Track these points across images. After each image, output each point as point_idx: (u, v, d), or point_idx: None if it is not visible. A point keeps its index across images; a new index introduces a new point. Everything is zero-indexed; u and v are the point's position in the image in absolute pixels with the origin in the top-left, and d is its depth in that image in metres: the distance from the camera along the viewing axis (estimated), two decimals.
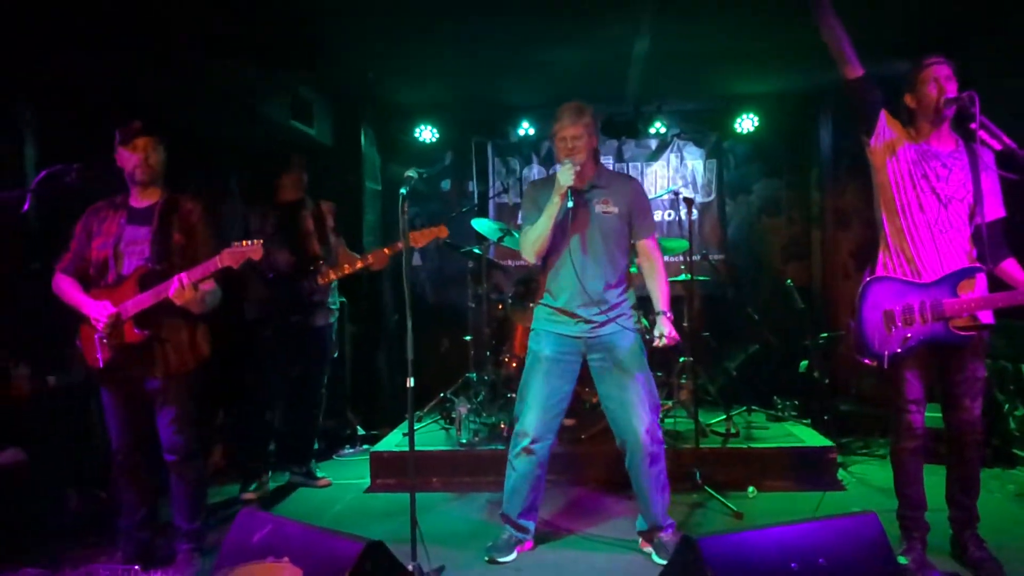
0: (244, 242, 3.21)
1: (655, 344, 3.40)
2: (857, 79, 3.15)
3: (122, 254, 3.30)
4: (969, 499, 3.26)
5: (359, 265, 4.27)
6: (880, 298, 3.14)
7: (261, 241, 3.21)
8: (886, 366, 3.09)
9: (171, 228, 3.34)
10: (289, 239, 4.46)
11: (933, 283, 3.08)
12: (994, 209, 3.14)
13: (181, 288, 3.14)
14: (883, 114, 3.20)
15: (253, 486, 4.63)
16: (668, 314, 3.43)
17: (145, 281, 3.23)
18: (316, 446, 4.99)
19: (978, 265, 3.08)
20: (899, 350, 3.07)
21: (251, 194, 4.92)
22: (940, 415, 3.28)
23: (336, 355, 4.99)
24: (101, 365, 3.26)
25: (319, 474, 4.88)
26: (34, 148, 4.26)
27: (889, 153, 3.20)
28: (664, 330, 3.38)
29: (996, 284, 3.11)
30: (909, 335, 3.07)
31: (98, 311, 3.20)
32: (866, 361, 3.15)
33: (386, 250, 4.23)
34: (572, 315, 3.45)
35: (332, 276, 4.39)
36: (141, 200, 3.38)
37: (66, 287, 3.31)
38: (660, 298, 3.47)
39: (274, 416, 4.78)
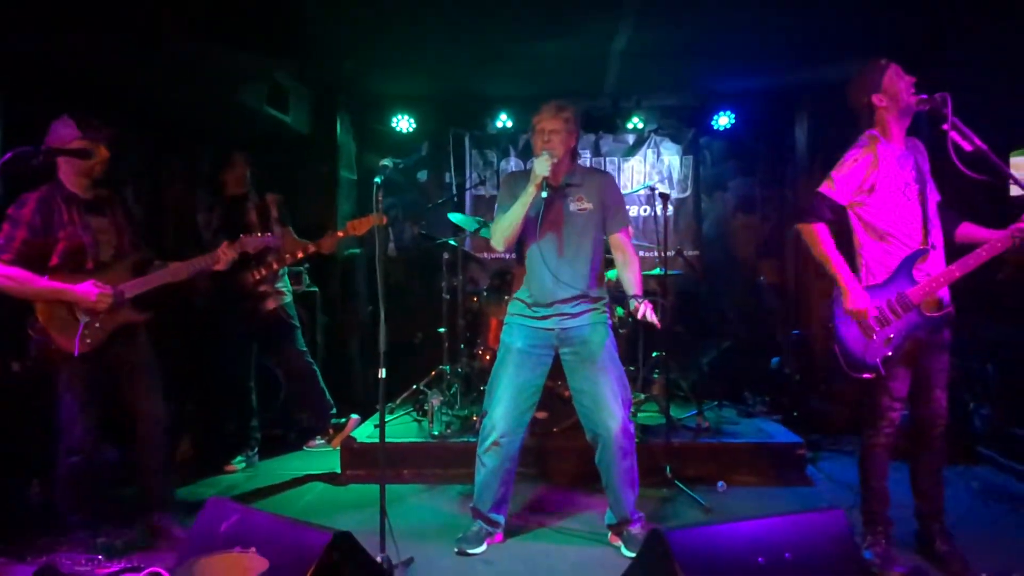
0: (256, 234, 3.96)
1: (635, 309, 3.31)
2: None
3: (97, 242, 3.43)
4: (937, 490, 3.32)
5: (310, 250, 4.48)
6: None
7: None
8: (883, 372, 3.14)
9: (123, 218, 3.58)
10: (234, 232, 4.53)
11: (888, 279, 3.15)
12: (934, 193, 3.27)
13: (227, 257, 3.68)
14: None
15: (239, 459, 4.94)
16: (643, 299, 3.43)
17: (139, 267, 3.50)
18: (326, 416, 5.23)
19: (923, 248, 3.14)
20: (889, 352, 3.13)
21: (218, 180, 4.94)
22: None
23: (298, 326, 5.10)
24: (77, 352, 3.31)
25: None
26: (1, 132, 4.18)
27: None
28: (641, 307, 3.31)
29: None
30: (891, 335, 3.13)
31: (95, 292, 3.32)
32: (866, 376, 3.17)
33: (336, 234, 4.45)
34: (545, 308, 3.45)
35: (275, 266, 4.64)
36: (86, 192, 3.47)
37: (25, 276, 3.26)
38: (634, 285, 3.47)
39: (251, 397, 5.06)
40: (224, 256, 3.70)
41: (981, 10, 4.66)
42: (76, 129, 3.35)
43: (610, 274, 3.61)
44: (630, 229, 3.61)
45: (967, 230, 3.26)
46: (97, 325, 3.37)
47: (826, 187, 3.27)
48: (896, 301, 3.11)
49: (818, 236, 3.25)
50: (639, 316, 3.28)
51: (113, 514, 3.68)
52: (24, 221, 3.28)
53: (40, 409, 3.70)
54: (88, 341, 3.35)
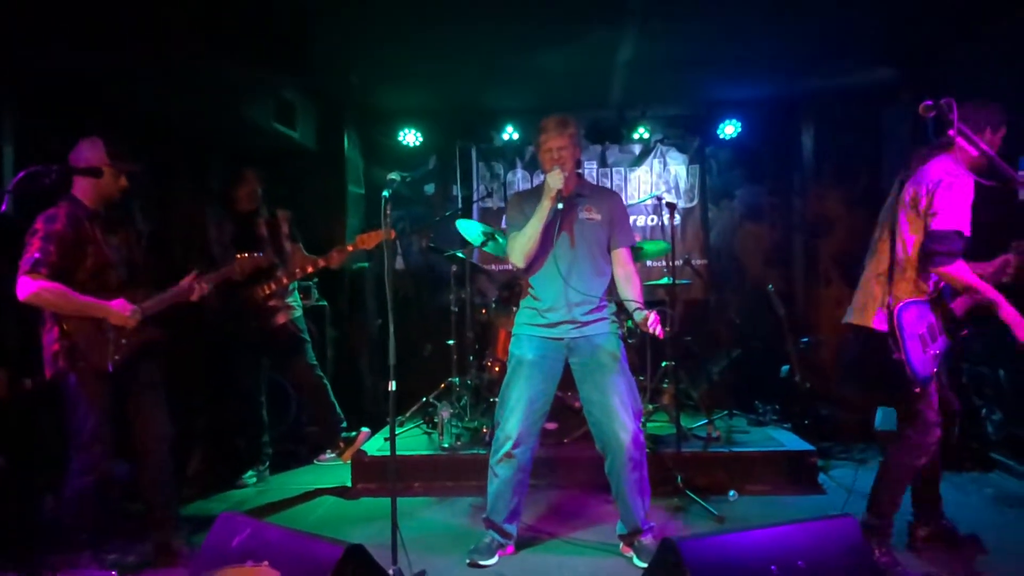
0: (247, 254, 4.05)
1: (644, 320, 3.30)
2: None
3: (119, 260, 3.49)
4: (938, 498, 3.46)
5: (319, 265, 4.63)
6: (912, 324, 3.17)
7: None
8: (934, 385, 3.19)
9: (133, 239, 3.64)
10: (245, 247, 4.61)
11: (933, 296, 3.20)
12: None
13: (201, 290, 3.66)
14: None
15: (250, 474, 4.97)
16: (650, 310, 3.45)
17: (157, 285, 3.57)
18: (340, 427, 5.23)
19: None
20: (934, 368, 3.16)
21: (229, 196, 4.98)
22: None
23: (308, 340, 5.12)
24: (111, 368, 3.35)
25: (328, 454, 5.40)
26: (12, 148, 4.22)
27: None
28: (648, 316, 3.31)
29: None
30: (936, 352, 3.17)
31: (129, 309, 3.38)
32: (917, 390, 3.17)
33: (344, 249, 4.61)
34: (556, 314, 3.47)
35: (285, 281, 4.75)
36: (102, 212, 3.50)
37: (65, 290, 3.25)
38: (636, 296, 3.50)
39: (262, 411, 5.11)
40: (198, 288, 3.70)
41: (987, 16, 4.66)
42: (104, 155, 3.39)
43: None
44: (631, 249, 3.64)
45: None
46: (124, 341, 3.39)
47: (953, 223, 3.10)
48: (943, 317, 3.18)
49: (965, 272, 3.11)
50: (649, 327, 3.27)
51: (122, 530, 3.69)
52: (57, 235, 3.27)
53: (53, 425, 3.71)
54: (117, 358, 3.37)
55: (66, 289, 3.25)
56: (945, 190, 3.08)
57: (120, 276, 3.48)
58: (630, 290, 3.53)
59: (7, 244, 3.40)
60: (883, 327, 3.20)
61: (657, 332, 3.26)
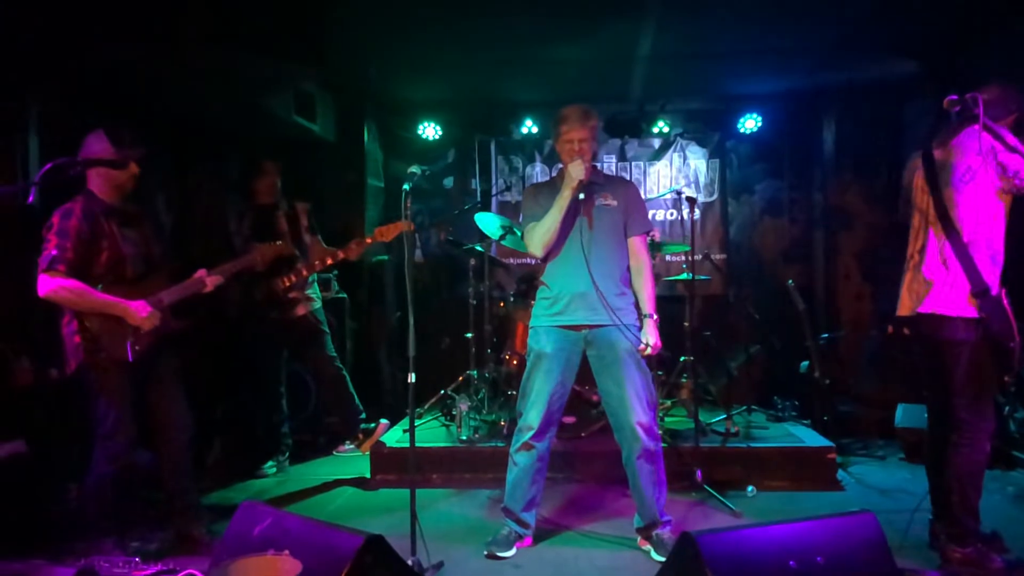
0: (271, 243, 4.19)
1: (639, 349, 3.46)
2: None
3: (136, 253, 3.52)
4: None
5: (339, 257, 4.66)
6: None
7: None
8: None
9: (151, 231, 3.69)
10: (265, 239, 4.67)
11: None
12: None
13: (214, 282, 3.71)
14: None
15: (270, 465, 5.02)
16: (654, 317, 3.51)
17: (171, 277, 3.60)
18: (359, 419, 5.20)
19: None
20: None
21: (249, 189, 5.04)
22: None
23: (328, 331, 5.14)
24: (132, 359, 3.39)
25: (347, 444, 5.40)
26: (37, 140, 4.27)
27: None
28: (650, 340, 3.46)
29: None
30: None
31: (147, 311, 3.42)
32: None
33: (363, 241, 4.63)
34: (574, 303, 3.47)
35: (304, 273, 4.77)
36: (118, 205, 3.53)
37: (83, 287, 3.30)
38: (647, 300, 3.55)
39: (282, 402, 5.18)
40: (210, 281, 3.74)
41: (1013, 8, 4.60)
42: (109, 144, 3.40)
43: None
44: (647, 238, 3.66)
45: None
46: (144, 332, 3.43)
47: None
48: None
49: None
50: (642, 344, 3.44)
51: (145, 518, 3.74)
52: (73, 231, 3.30)
53: (77, 414, 3.76)
54: (137, 348, 3.41)
55: (84, 287, 3.30)
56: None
57: (136, 269, 3.51)
58: (642, 282, 3.56)
59: (34, 235, 3.45)
60: (965, 312, 3.13)
61: (647, 351, 3.45)
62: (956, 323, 3.13)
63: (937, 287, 3.18)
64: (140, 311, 3.40)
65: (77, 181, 3.41)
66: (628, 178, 6.83)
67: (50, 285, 3.24)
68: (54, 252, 3.25)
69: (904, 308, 3.36)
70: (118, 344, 3.37)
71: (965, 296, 3.11)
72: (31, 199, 2.80)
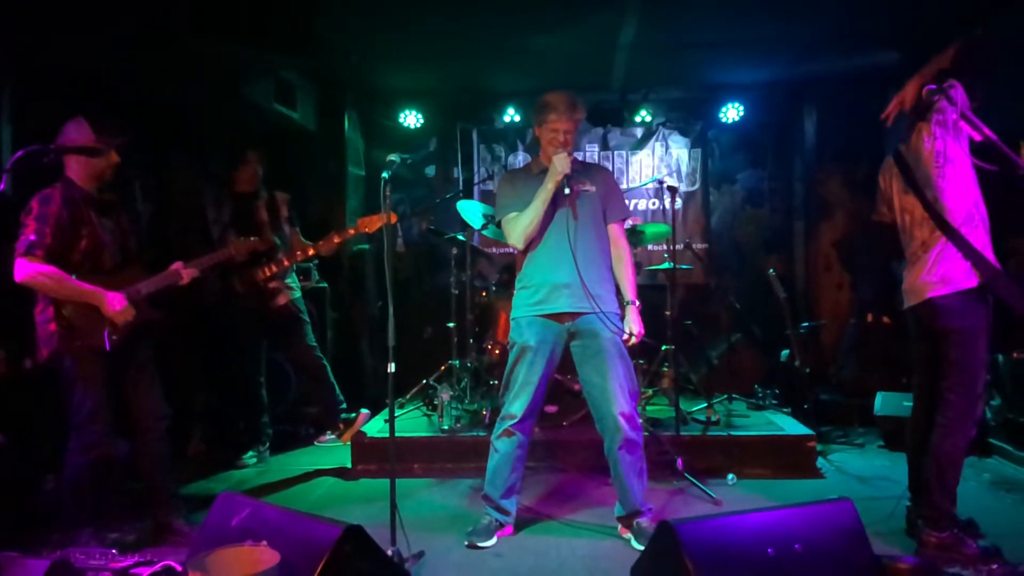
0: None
1: (623, 339, 3.48)
2: None
3: (113, 242, 3.48)
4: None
5: (311, 252, 4.70)
6: None
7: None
8: None
9: (127, 222, 3.63)
10: (244, 229, 4.64)
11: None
12: None
13: (189, 275, 3.67)
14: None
15: (250, 455, 4.99)
16: (636, 303, 3.53)
17: (152, 267, 3.58)
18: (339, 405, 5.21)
19: None
20: None
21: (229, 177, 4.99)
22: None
23: (308, 321, 5.12)
24: (109, 348, 3.35)
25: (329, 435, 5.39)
26: (10, 128, 4.20)
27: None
28: (634, 328, 3.49)
29: None
30: None
31: (122, 305, 3.37)
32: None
33: (335, 238, 4.62)
34: (556, 292, 3.46)
35: (286, 263, 4.77)
36: (96, 194, 3.48)
37: (60, 274, 3.25)
38: (628, 287, 3.57)
39: (262, 392, 5.14)
40: (186, 274, 3.70)
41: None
42: (90, 132, 3.34)
43: None
44: (624, 225, 3.67)
45: None
46: (119, 323, 3.39)
47: None
48: None
49: None
50: (626, 333, 3.47)
51: (122, 509, 3.70)
52: (52, 217, 3.24)
53: (52, 404, 3.72)
54: (114, 337, 3.37)
55: (62, 273, 3.25)
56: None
57: (114, 258, 3.47)
58: (622, 269, 3.58)
59: (6, 223, 3.39)
60: (966, 282, 3.14)
61: (631, 340, 3.48)
62: (957, 302, 3.15)
63: (936, 278, 3.21)
64: (115, 304, 3.35)
65: (52, 169, 3.34)
66: (611, 167, 6.84)
67: (28, 270, 3.19)
68: (32, 237, 3.20)
69: (909, 303, 3.39)
70: (95, 332, 3.33)
71: (964, 270, 3.14)
72: (2, 186, 2.75)
